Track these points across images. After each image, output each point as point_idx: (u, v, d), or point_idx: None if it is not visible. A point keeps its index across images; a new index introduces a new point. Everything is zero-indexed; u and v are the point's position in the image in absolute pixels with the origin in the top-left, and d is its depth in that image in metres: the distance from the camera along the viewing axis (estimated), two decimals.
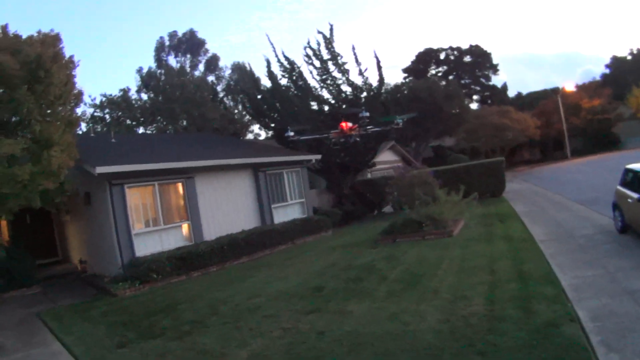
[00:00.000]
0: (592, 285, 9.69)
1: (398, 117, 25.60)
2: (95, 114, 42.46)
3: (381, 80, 32.24)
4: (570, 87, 66.21)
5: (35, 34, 15.42)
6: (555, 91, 67.34)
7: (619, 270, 10.38)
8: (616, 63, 78.47)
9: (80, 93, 16.63)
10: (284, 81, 31.68)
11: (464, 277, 11.66)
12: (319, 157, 27.03)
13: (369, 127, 24.39)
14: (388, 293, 11.22)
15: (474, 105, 72.61)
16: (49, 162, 14.36)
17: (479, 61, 75.21)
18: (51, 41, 15.35)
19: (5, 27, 15.03)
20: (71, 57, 16.03)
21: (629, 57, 79.07)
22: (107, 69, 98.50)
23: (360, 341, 8.40)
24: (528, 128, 55.22)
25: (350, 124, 23.66)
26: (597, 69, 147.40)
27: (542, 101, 65.88)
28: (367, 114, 21.89)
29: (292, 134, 23.16)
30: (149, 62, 52.73)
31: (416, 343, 7.96)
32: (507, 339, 7.56)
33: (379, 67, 31.95)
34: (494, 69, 76.27)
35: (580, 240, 14.10)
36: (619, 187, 14.47)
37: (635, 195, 12.48)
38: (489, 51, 75.57)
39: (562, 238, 14.79)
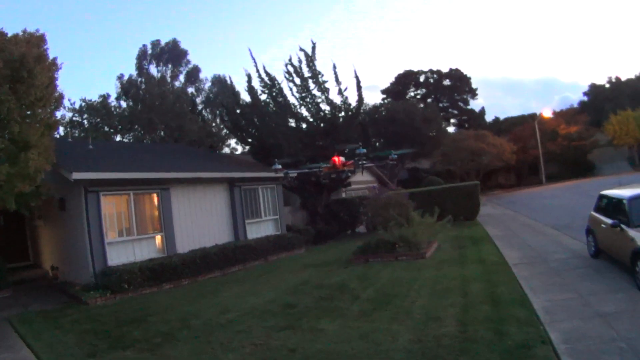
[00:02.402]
0: (564, 308, 9.77)
1: (393, 152, 25.58)
2: (74, 118, 42.10)
3: (360, 100, 32.26)
4: (547, 113, 66.88)
5: (21, 33, 15.23)
6: (532, 117, 67.97)
7: (591, 294, 10.49)
8: (594, 91, 79.43)
9: (61, 96, 16.36)
10: (263, 97, 31.64)
11: (436, 298, 11.67)
12: (294, 174, 26.90)
13: (364, 161, 24.29)
14: (360, 312, 11.19)
15: (451, 129, 73.09)
16: (26, 164, 14.10)
17: (457, 85, 75.68)
18: (36, 41, 15.14)
19: None
20: (54, 59, 15.78)
21: (607, 85, 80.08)
22: (88, 73, 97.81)
23: (331, 359, 8.33)
24: (504, 153, 55.66)
25: (343, 159, 23.44)
26: (575, 96, 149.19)
27: (519, 127, 66.51)
28: (364, 151, 21.67)
29: (279, 167, 22.94)
30: (130, 69, 52.65)
31: None
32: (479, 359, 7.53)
33: (359, 87, 31.98)
34: (473, 93, 76.81)
35: (554, 264, 14.20)
36: (593, 213, 14.70)
37: (609, 220, 12.60)
38: (468, 75, 76.13)
39: (535, 262, 14.88)
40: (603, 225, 13.11)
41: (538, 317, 9.37)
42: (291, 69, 30.85)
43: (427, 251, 17.99)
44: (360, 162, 22.40)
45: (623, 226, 11.70)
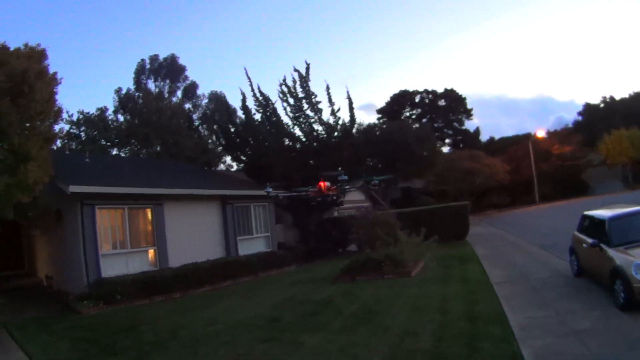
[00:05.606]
0: (540, 325, 9.94)
1: (375, 178, 26.06)
2: (72, 130, 42.29)
3: (352, 121, 32.60)
4: (541, 133, 66.99)
5: (22, 47, 15.52)
6: (527, 137, 68.05)
7: (568, 312, 10.66)
8: (589, 110, 79.56)
9: (60, 110, 16.65)
10: (257, 116, 31.93)
11: (416, 315, 11.90)
12: (282, 196, 27.14)
13: (346, 187, 24.74)
14: (341, 327, 11.45)
15: (446, 149, 73.17)
16: (25, 175, 14.37)
17: (453, 105, 75.99)
18: (37, 56, 15.42)
19: None
20: (55, 73, 16.05)
21: (602, 105, 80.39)
22: (86, 85, 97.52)
23: None
24: (497, 173, 55.74)
25: (328, 184, 23.96)
26: (570, 116, 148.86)
27: (513, 147, 66.59)
28: (346, 178, 22.27)
29: (270, 190, 23.49)
30: (128, 83, 52.81)
31: None
32: None
33: (351, 108, 32.30)
34: (468, 113, 77.09)
35: (536, 282, 14.36)
36: (576, 233, 14.85)
37: (590, 240, 12.79)
38: (463, 96, 76.43)
39: (518, 280, 15.07)
40: (584, 245, 13.27)
41: (513, 333, 9.53)
42: (285, 89, 31.17)
43: (413, 270, 18.19)
44: (343, 187, 22.98)
45: (603, 245, 11.89)
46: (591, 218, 14.02)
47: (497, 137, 79.75)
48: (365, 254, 19.64)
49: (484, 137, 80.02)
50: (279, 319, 12.94)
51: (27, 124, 15.20)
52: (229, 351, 10.24)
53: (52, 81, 15.93)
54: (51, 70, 15.97)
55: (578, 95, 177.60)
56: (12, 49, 15.21)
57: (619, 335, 8.84)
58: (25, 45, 15.66)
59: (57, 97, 16.16)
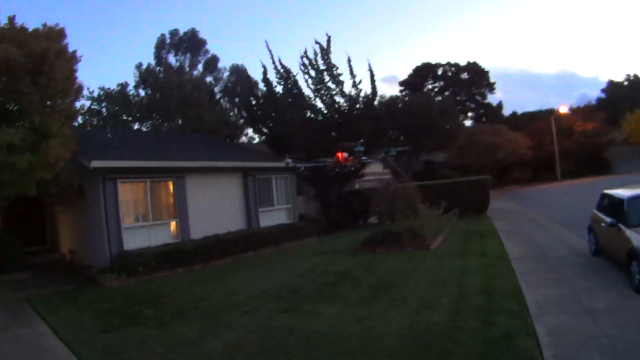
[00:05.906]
0: (555, 303, 10.01)
1: (393, 149, 26.23)
2: (93, 107, 42.58)
3: (374, 93, 32.67)
4: (564, 109, 66.28)
5: (41, 27, 15.77)
6: (550, 112, 67.33)
7: (584, 291, 10.69)
8: (612, 88, 78.53)
9: (81, 87, 16.96)
10: (279, 88, 32.05)
11: (433, 288, 12.08)
12: (302, 167, 27.34)
13: (363, 157, 24.95)
14: (359, 299, 11.71)
15: (468, 123, 72.65)
16: (47, 153, 14.66)
17: (475, 79, 75.21)
18: (56, 36, 15.67)
19: (12, 19, 15.33)
20: (74, 52, 16.34)
21: (625, 83, 79.46)
22: (107, 61, 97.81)
23: (326, 340, 8.88)
24: (519, 148, 55.39)
25: (346, 155, 24.22)
26: (594, 93, 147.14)
27: (536, 122, 65.93)
28: (362, 149, 22.53)
29: (289, 161, 23.76)
30: (149, 59, 52.75)
31: (378, 344, 8.44)
32: (462, 346, 7.97)
33: (373, 81, 32.44)
34: (491, 87, 76.13)
35: (554, 260, 14.39)
36: (595, 211, 14.75)
37: (608, 219, 12.71)
38: (486, 69, 75.37)
39: (536, 257, 15.13)
40: (603, 224, 13.16)
41: (528, 310, 9.62)
42: (306, 62, 31.27)
43: (432, 243, 18.35)
44: (360, 158, 23.23)
45: (621, 225, 11.79)
46: (610, 197, 13.90)
47: (519, 111, 78.90)
48: (385, 227, 19.76)
49: (506, 111, 79.12)
50: (299, 289, 13.23)
51: (48, 102, 15.50)
52: (249, 321, 10.55)
53: (72, 59, 16.18)
54: (70, 49, 16.29)
55: (602, 72, 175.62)
56: (30, 29, 15.48)
57: (633, 317, 8.81)
58: (44, 25, 15.95)
59: (77, 74, 16.53)
